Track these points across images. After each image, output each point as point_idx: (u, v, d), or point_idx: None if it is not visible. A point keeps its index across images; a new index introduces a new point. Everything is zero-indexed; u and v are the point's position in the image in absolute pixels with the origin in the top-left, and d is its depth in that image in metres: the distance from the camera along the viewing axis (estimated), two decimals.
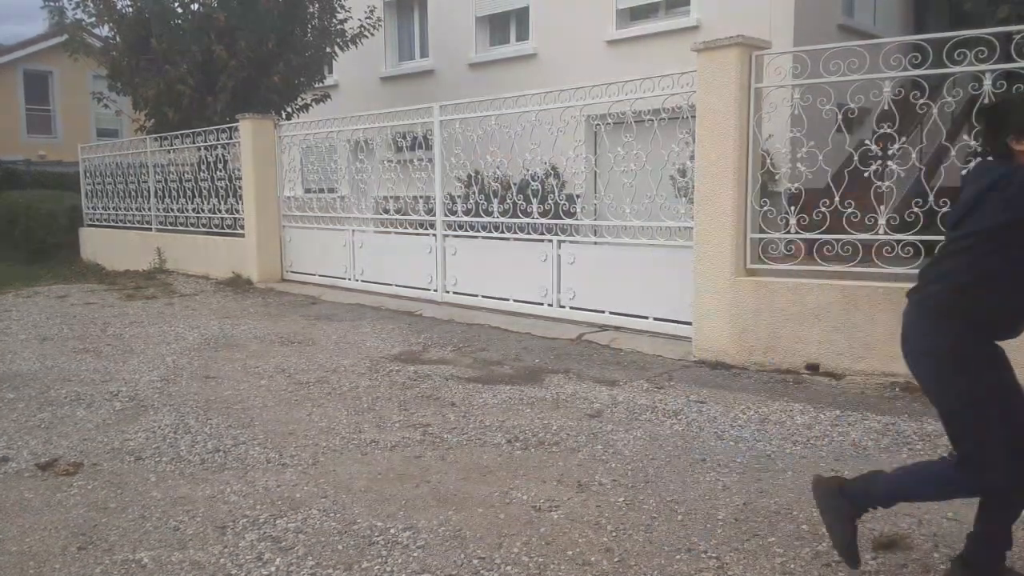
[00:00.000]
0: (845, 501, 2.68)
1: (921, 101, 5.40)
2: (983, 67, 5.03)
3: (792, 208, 5.75)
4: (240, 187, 10.73)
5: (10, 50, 22.45)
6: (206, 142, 11.20)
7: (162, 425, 4.56)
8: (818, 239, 5.63)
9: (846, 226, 5.46)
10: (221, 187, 11.14)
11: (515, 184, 7.94)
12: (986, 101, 5.01)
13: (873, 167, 5.45)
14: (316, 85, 13.59)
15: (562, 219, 7.47)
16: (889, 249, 5.51)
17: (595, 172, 7.66)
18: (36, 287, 11.01)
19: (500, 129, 7.90)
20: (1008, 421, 2.41)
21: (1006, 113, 2.53)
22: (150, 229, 12.73)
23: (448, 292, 8.52)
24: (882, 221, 5.43)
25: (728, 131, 5.72)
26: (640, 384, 5.32)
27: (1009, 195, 2.33)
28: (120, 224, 13.37)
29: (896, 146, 5.70)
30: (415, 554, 2.94)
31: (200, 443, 4.25)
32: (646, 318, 6.74)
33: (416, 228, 8.93)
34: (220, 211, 11.27)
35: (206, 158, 11.42)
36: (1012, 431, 2.41)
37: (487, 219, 8.03)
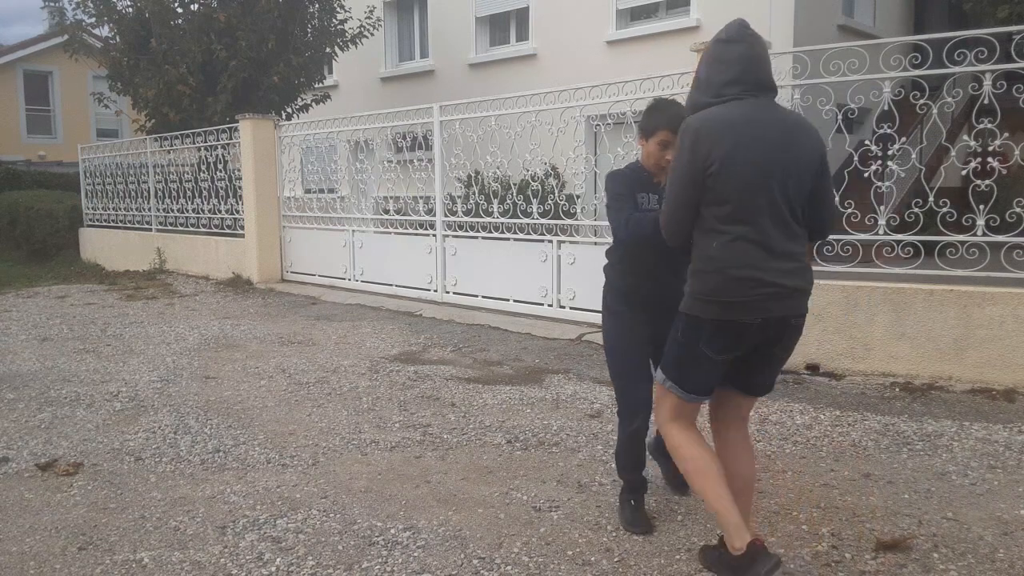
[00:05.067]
0: None
1: (921, 101, 5.40)
2: (983, 67, 5.03)
3: None
4: (240, 187, 10.73)
5: (10, 50, 22.44)
6: (206, 142, 11.20)
7: (162, 425, 4.56)
8: None
9: (846, 226, 5.46)
10: (221, 187, 11.15)
11: (515, 184, 7.94)
12: (986, 101, 5.02)
13: (873, 167, 5.46)
14: (316, 85, 13.59)
15: (562, 219, 7.47)
16: (889, 249, 5.52)
17: (595, 172, 7.65)
18: (36, 287, 11.01)
19: (500, 129, 7.90)
20: None
21: (644, 113, 3.07)
22: (150, 229, 12.74)
23: (448, 292, 8.52)
24: (882, 221, 5.43)
25: None
26: None
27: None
28: (120, 224, 13.37)
29: (896, 146, 5.70)
30: (415, 554, 2.94)
31: (200, 443, 4.25)
32: None
33: (416, 228, 8.93)
34: (220, 211, 11.27)
35: (206, 158, 11.43)
36: None
37: (487, 219, 8.03)
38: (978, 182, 5.04)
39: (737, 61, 2.45)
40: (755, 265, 2.38)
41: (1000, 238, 5.02)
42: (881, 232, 5.43)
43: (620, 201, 2.99)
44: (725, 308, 2.42)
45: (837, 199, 5.43)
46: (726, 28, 2.53)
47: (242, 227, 10.78)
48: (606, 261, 3.22)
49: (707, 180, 2.40)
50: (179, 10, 12.33)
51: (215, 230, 11.43)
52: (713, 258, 2.42)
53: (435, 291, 8.65)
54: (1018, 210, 4.86)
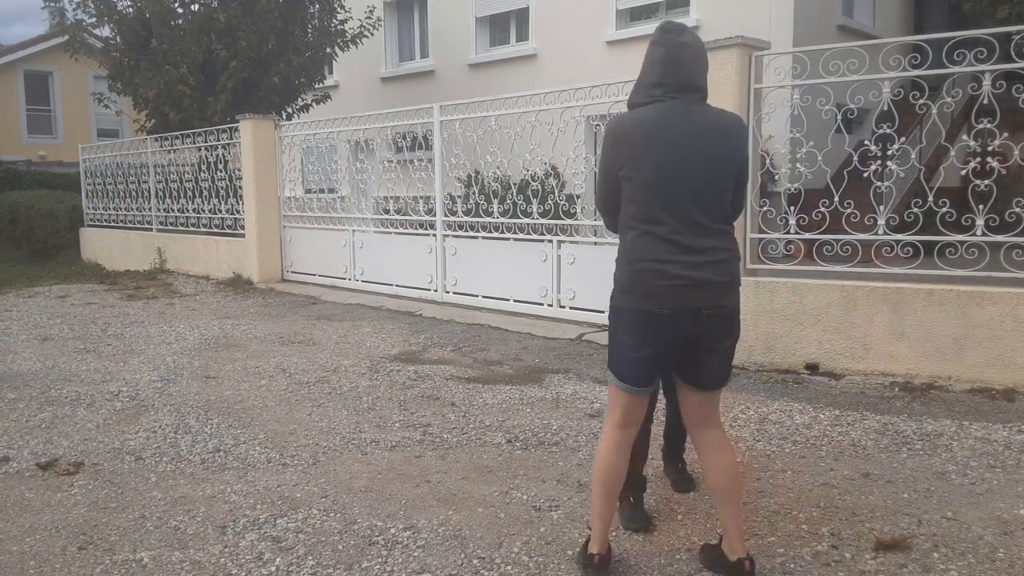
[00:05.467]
0: None
1: (921, 101, 5.41)
2: (983, 67, 5.03)
3: (792, 208, 5.76)
4: (240, 187, 10.74)
5: (10, 50, 22.46)
6: (206, 142, 11.20)
7: (163, 425, 4.57)
8: (817, 239, 5.64)
9: (845, 226, 5.46)
10: (221, 187, 11.15)
11: (515, 184, 7.95)
12: (985, 101, 5.03)
13: (872, 167, 5.46)
14: (316, 85, 13.60)
15: (562, 219, 7.48)
16: (888, 249, 5.52)
17: (595, 172, 7.63)
18: (37, 287, 11.02)
19: (500, 129, 7.90)
20: None
21: None
22: (151, 229, 12.74)
23: (448, 292, 8.53)
24: (881, 221, 5.43)
25: None
26: None
27: None
28: (121, 224, 13.38)
29: (896, 146, 5.71)
30: (415, 554, 2.95)
31: (200, 443, 4.25)
32: None
33: (416, 228, 8.94)
34: (220, 211, 11.28)
35: (206, 158, 11.43)
36: None
37: (487, 219, 8.03)
38: (977, 182, 5.04)
39: (660, 63, 2.55)
40: (659, 259, 2.52)
41: (999, 238, 5.02)
42: (880, 232, 5.43)
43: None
44: (637, 298, 2.56)
45: (836, 199, 5.46)
46: (655, 29, 2.64)
47: (242, 227, 10.78)
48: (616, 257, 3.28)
49: (620, 181, 2.57)
50: (179, 10, 12.35)
51: (215, 230, 11.43)
52: (626, 251, 2.61)
53: (435, 291, 8.66)
54: (1017, 210, 4.87)
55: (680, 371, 2.70)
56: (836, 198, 5.46)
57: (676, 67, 2.52)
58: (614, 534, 3.06)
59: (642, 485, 3.24)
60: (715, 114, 2.58)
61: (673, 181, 2.49)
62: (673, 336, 2.57)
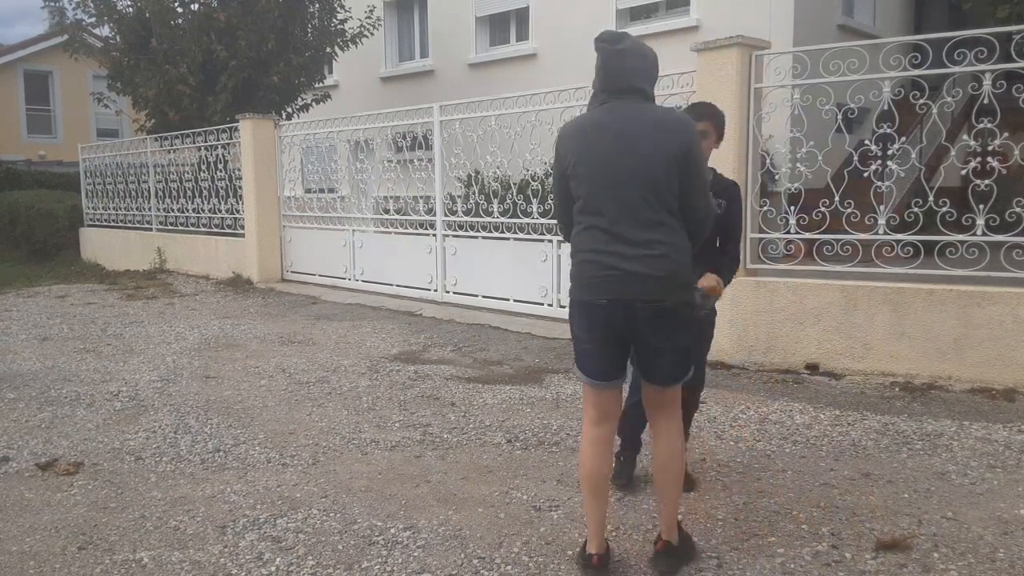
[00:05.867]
0: None
1: (921, 101, 5.40)
2: (983, 67, 5.03)
3: (792, 208, 5.75)
4: (240, 187, 10.74)
5: (10, 50, 22.45)
6: (206, 142, 11.20)
7: (162, 425, 4.57)
8: (818, 239, 5.63)
9: (846, 226, 5.46)
10: (221, 187, 11.15)
11: (515, 184, 7.94)
12: (986, 101, 5.02)
13: (873, 167, 5.46)
14: (316, 85, 13.59)
15: None
16: (889, 249, 5.51)
17: None
18: (36, 287, 11.02)
19: (500, 129, 7.90)
20: None
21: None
22: (150, 229, 12.74)
23: (448, 292, 8.52)
24: (882, 221, 5.43)
25: (728, 131, 5.70)
26: None
27: None
28: (120, 224, 13.38)
29: (896, 146, 5.71)
30: (415, 554, 2.95)
31: (200, 443, 4.25)
32: None
33: (416, 228, 8.93)
34: (220, 211, 11.27)
35: (206, 158, 11.43)
36: None
37: (487, 219, 8.03)
38: (978, 182, 5.04)
39: (601, 70, 2.71)
40: (597, 250, 2.63)
41: (1000, 238, 5.01)
42: (881, 232, 5.43)
43: None
44: (579, 289, 2.69)
45: (837, 199, 5.45)
46: (595, 39, 2.76)
47: (242, 227, 10.78)
48: None
49: (569, 180, 2.71)
50: (179, 10, 12.34)
51: (215, 230, 11.43)
52: (573, 244, 2.74)
53: (435, 291, 8.65)
54: (1018, 210, 4.86)
55: (636, 363, 2.77)
56: (836, 198, 5.46)
57: (613, 73, 2.66)
58: (614, 534, 3.06)
59: (636, 447, 3.55)
60: (653, 111, 2.66)
61: (610, 174, 2.60)
62: (610, 327, 2.64)
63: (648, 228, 2.58)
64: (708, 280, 3.05)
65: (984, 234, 5.07)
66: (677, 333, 2.66)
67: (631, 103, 2.66)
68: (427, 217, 8.75)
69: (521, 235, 7.76)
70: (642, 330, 2.62)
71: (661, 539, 2.78)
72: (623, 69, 2.66)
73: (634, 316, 2.59)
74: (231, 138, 10.84)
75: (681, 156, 2.58)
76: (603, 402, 2.75)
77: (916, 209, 5.37)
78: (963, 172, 6.32)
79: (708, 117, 3.41)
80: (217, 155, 11.16)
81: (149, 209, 12.74)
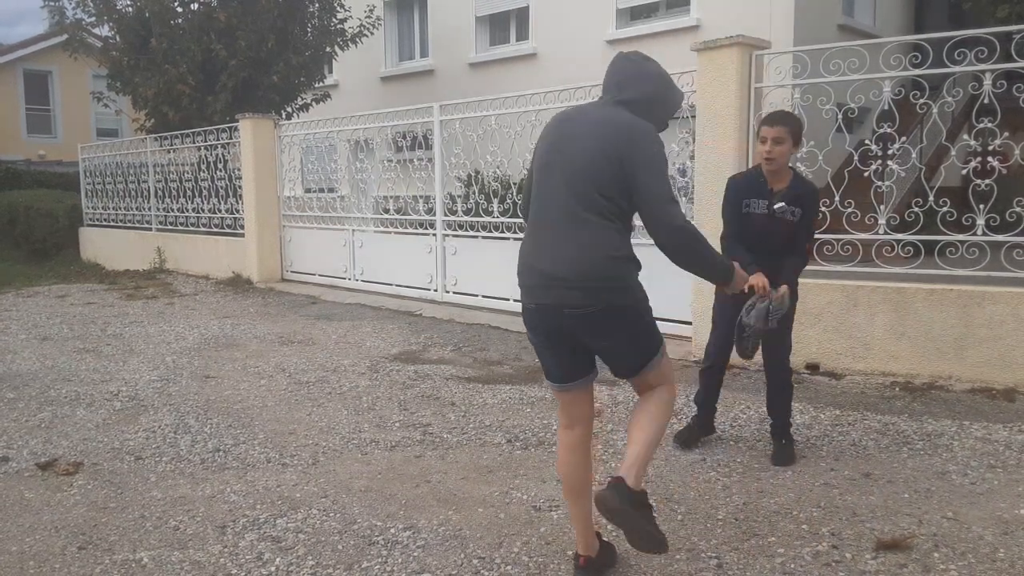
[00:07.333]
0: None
1: (921, 101, 5.40)
2: (983, 67, 5.03)
3: None
4: (240, 187, 10.73)
5: (10, 49, 22.44)
6: (206, 142, 11.20)
7: (162, 425, 4.56)
8: (818, 239, 5.63)
9: (846, 226, 5.46)
10: (221, 187, 11.14)
11: (515, 184, 7.94)
12: (986, 100, 5.02)
13: (873, 167, 5.46)
14: (316, 85, 13.59)
15: None
16: (889, 249, 5.51)
17: None
18: (36, 287, 11.02)
19: (500, 129, 7.89)
20: None
21: None
22: (150, 229, 12.74)
23: (448, 292, 8.52)
24: (882, 221, 5.43)
25: (728, 131, 5.72)
26: None
27: None
28: (120, 224, 13.38)
29: (896, 146, 5.70)
30: (415, 554, 2.94)
31: (200, 443, 4.25)
32: None
33: (416, 228, 8.93)
34: (220, 211, 11.27)
35: (206, 158, 11.42)
36: None
37: (487, 219, 8.02)
38: (978, 181, 5.04)
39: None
40: (527, 252, 2.61)
41: (1000, 237, 5.01)
42: (881, 232, 5.43)
43: (724, 208, 3.83)
44: (521, 291, 2.65)
45: (837, 199, 5.45)
46: None
47: (242, 226, 10.78)
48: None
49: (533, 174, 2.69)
50: (179, 9, 12.34)
51: (215, 229, 11.42)
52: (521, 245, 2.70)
53: (435, 290, 8.65)
54: (1018, 210, 4.86)
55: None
56: (837, 197, 5.46)
57: (607, 75, 2.66)
58: (614, 534, 3.06)
59: (709, 429, 4.09)
60: (611, 114, 2.53)
61: (545, 174, 2.57)
62: (548, 331, 2.62)
63: (587, 228, 2.46)
64: (779, 291, 3.53)
65: (984, 234, 5.07)
66: (615, 334, 2.53)
67: (603, 104, 2.61)
68: (427, 217, 8.74)
69: (521, 235, 7.74)
70: (579, 334, 2.55)
71: (614, 477, 2.49)
72: (612, 74, 2.64)
73: (564, 321, 2.52)
74: (231, 138, 10.83)
75: (616, 158, 2.43)
76: (570, 406, 2.71)
77: (916, 209, 5.36)
78: (963, 172, 6.31)
79: (783, 123, 3.59)
80: (217, 155, 11.16)
81: (149, 209, 12.73)
